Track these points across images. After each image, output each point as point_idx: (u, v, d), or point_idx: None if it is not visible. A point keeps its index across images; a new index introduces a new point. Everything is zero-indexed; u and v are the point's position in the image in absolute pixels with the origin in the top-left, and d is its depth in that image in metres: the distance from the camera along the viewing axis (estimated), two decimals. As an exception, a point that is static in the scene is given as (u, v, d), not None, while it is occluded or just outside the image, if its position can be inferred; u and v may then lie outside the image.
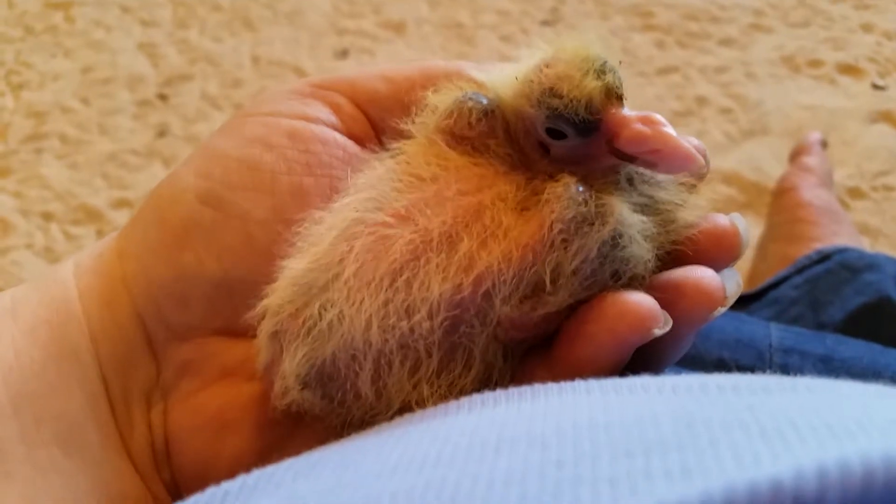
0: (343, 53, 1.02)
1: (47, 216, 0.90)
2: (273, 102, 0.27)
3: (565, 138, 0.22)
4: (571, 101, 0.21)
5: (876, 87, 0.94)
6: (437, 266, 0.21)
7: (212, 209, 0.25)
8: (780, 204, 0.76)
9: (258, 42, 1.05)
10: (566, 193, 0.21)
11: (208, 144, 0.26)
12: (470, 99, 0.23)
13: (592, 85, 0.21)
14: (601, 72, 0.22)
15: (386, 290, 0.21)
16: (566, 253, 0.21)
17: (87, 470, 0.24)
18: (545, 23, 1.04)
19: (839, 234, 0.68)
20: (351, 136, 0.26)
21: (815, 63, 0.97)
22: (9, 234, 0.88)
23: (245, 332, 0.24)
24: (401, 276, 0.21)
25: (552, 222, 0.21)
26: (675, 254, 0.23)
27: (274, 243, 0.24)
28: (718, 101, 0.92)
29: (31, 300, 0.25)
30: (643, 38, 1.01)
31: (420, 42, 1.03)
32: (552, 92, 0.22)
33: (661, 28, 1.02)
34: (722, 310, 0.22)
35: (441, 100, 0.24)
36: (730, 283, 0.22)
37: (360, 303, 0.21)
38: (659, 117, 0.21)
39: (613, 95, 0.22)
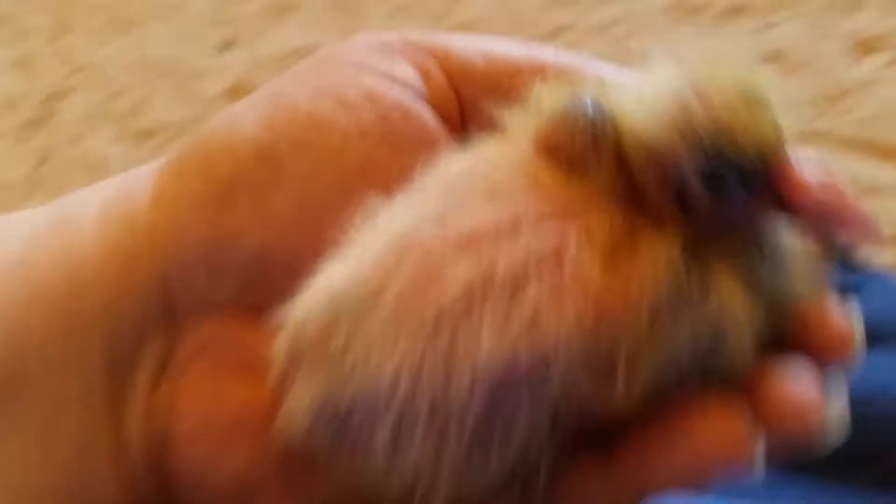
0: (226, 45, 0.99)
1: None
2: (357, 52, 0.24)
3: (723, 190, 0.18)
4: (747, 146, 0.18)
5: (766, 26, 0.95)
6: (494, 315, 0.18)
7: (267, 166, 0.22)
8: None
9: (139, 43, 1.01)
10: (666, 257, 0.18)
11: (277, 89, 0.24)
12: (582, 109, 0.20)
13: (767, 128, 0.18)
14: (767, 107, 0.18)
15: (428, 334, 0.18)
16: (653, 337, 0.18)
17: (62, 467, 0.22)
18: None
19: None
20: (435, 111, 0.23)
21: (704, 6, 0.97)
22: None
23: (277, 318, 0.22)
24: (448, 318, 0.18)
25: (643, 293, 0.18)
26: (778, 333, 0.20)
27: (326, 219, 0.21)
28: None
29: (44, 252, 0.23)
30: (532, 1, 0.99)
31: (310, 23, 1.00)
32: (724, 133, 0.18)
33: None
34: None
35: (548, 99, 0.21)
36: (834, 404, 0.19)
37: (395, 343, 0.18)
38: (834, 173, 0.19)
39: (783, 139, 0.18)
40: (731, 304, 0.18)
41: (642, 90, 0.19)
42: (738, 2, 0.97)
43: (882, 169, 0.85)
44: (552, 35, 0.95)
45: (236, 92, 0.94)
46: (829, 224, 0.18)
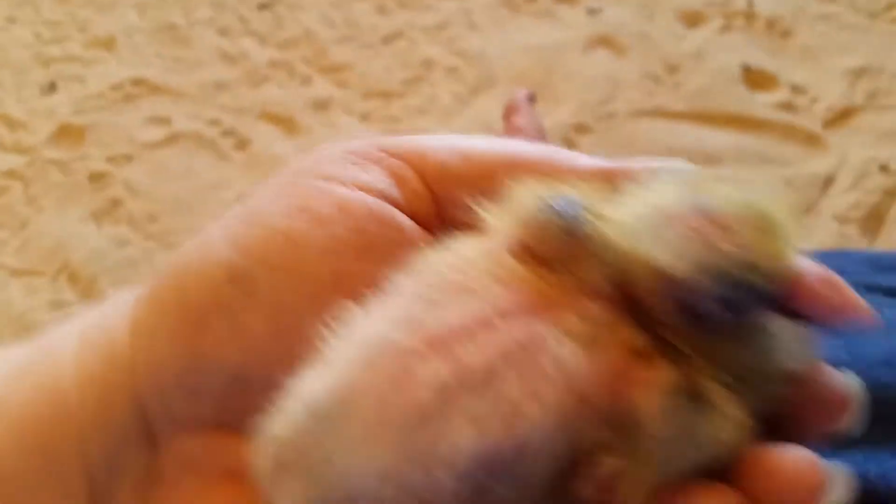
0: (51, 87, 0.94)
1: None
2: (329, 163, 0.24)
3: (739, 309, 0.18)
4: (771, 274, 0.18)
5: (591, 11, 0.97)
6: (470, 410, 0.18)
7: (241, 288, 0.22)
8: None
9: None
10: (666, 376, 0.18)
11: (251, 207, 0.24)
12: (556, 213, 0.20)
13: (786, 252, 0.18)
14: (782, 229, 0.19)
15: (406, 435, 0.18)
16: (643, 443, 0.18)
17: None
18: (263, 6, 1.00)
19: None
20: (412, 216, 0.23)
21: (531, -2, 0.98)
22: None
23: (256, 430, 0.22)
24: (424, 417, 0.18)
25: (638, 401, 0.18)
26: (775, 404, 0.20)
27: (301, 334, 0.21)
28: (444, 60, 0.93)
29: (23, 389, 0.23)
30: (364, 6, 0.99)
31: (133, 55, 0.96)
32: (748, 264, 0.18)
33: (381, -10, 1.00)
34: None
35: (524, 198, 0.20)
36: (836, 484, 0.19)
37: (375, 447, 0.18)
38: (833, 275, 0.20)
39: (797, 256, 0.19)
40: (726, 415, 0.18)
41: (637, 204, 0.20)
42: (563, -10, 0.99)
43: (717, 137, 0.88)
44: (386, 40, 0.95)
45: (65, 134, 0.90)
46: (832, 319, 0.19)
